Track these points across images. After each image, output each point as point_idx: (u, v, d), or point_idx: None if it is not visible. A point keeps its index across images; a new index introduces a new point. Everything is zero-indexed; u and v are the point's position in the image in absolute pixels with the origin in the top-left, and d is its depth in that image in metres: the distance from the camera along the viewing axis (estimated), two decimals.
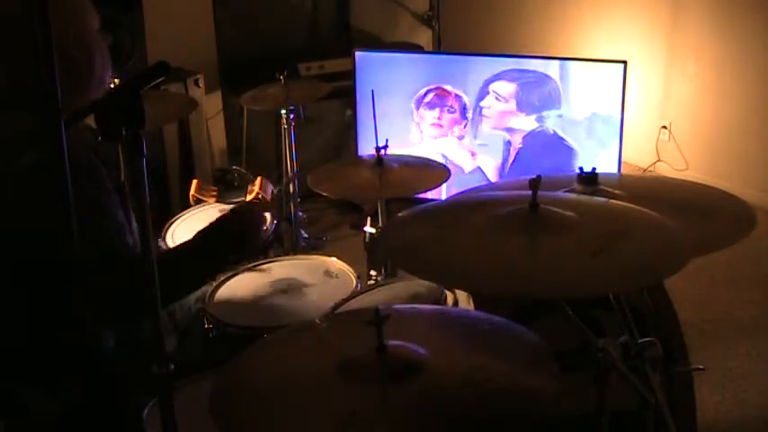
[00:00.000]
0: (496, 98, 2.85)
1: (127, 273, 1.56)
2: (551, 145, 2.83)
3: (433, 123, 2.93)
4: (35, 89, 1.25)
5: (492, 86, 2.90)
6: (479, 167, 2.93)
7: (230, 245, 1.87)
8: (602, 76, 3.19)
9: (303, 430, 1.17)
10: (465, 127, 2.92)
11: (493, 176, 2.91)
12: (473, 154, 2.99)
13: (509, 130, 2.84)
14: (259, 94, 3.45)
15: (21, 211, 1.64)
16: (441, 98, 3.05)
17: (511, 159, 2.90)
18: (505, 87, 2.83)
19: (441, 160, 2.81)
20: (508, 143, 2.86)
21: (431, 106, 3.04)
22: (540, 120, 2.78)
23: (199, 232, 1.85)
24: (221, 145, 4.50)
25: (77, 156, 1.64)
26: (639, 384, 1.44)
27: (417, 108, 3.12)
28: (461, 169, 3.01)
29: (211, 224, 1.89)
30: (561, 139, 2.82)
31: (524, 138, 2.88)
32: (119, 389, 1.73)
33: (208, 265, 1.85)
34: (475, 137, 2.97)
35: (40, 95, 1.21)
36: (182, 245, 1.93)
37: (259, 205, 2.24)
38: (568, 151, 2.79)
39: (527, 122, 2.80)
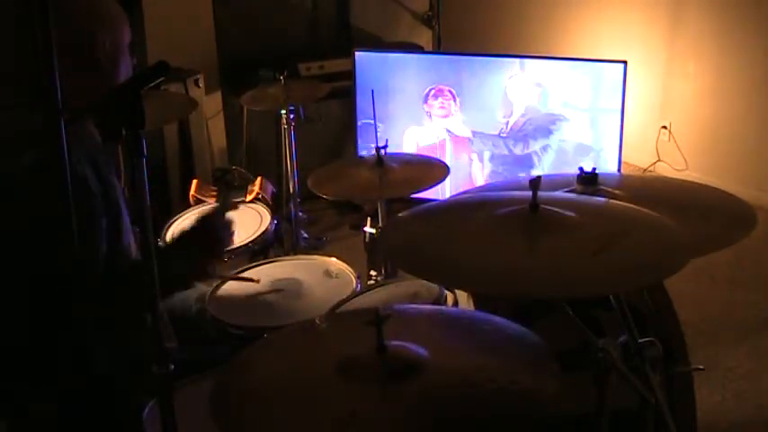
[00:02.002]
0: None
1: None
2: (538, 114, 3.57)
3: (440, 107, 3.67)
4: (39, 89, 1.25)
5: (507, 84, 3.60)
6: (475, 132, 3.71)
7: (197, 254, 1.87)
8: (602, 76, 3.21)
9: (303, 430, 1.17)
10: (459, 109, 3.64)
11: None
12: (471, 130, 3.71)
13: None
14: (259, 94, 3.45)
15: (22, 211, 1.64)
16: (438, 91, 3.66)
17: (509, 127, 3.60)
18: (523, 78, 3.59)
19: (446, 135, 3.67)
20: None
21: (435, 97, 3.68)
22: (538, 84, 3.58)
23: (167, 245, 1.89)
24: (221, 145, 4.50)
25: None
26: (639, 384, 1.44)
27: (426, 102, 3.69)
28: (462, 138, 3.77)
29: (179, 237, 1.94)
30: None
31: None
32: (119, 389, 1.73)
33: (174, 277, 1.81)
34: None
35: (44, 95, 1.21)
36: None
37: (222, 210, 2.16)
38: (550, 116, 3.52)
39: (531, 89, 3.57)
